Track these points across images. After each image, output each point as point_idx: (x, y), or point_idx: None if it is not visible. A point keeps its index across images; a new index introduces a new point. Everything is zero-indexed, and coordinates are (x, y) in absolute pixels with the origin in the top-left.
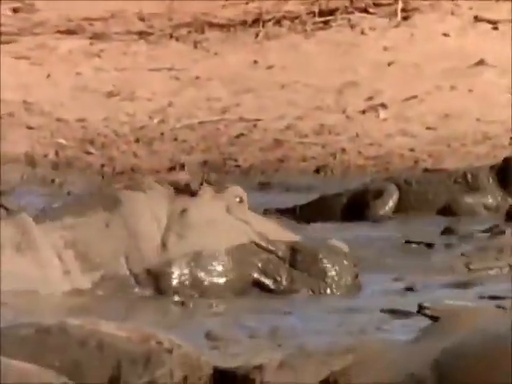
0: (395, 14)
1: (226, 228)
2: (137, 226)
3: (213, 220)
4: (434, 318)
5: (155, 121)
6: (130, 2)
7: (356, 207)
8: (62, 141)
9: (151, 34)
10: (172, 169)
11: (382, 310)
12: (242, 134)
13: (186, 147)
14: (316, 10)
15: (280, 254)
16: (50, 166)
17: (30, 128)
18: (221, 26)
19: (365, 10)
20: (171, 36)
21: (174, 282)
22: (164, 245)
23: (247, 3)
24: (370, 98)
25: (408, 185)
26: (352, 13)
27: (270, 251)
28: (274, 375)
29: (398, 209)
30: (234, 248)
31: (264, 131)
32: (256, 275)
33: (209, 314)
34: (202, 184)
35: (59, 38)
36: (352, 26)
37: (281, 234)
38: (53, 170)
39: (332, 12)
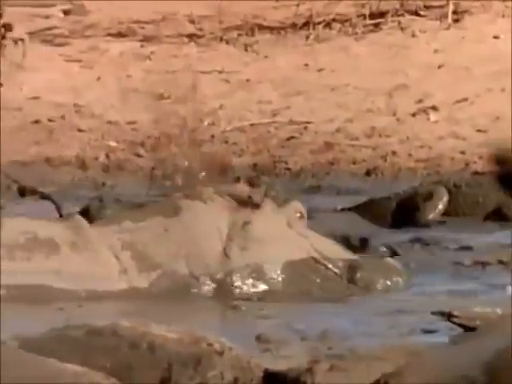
0: (446, 16)
1: (286, 242)
2: (198, 232)
3: (274, 234)
4: (463, 327)
5: (206, 123)
6: (181, 4)
7: (405, 210)
8: (113, 143)
9: (201, 36)
10: (222, 172)
11: (433, 312)
12: (293, 137)
13: (237, 150)
14: (366, 13)
15: (338, 271)
16: (100, 168)
17: (80, 131)
18: (271, 29)
19: (415, 13)
20: (221, 39)
21: (235, 291)
22: (226, 254)
23: (298, 5)
24: (421, 101)
25: (457, 188)
26: (402, 15)
27: (328, 268)
28: (324, 377)
29: (448, 212)
30: (294, 262)
31: (314, 134)
32: (315, 291)
33: (259, 316)
34: (264, 197)
35: (110, 40)
36: (402, 29)
37: (338, 251)
38: (103, 172)
39: (382, 14)
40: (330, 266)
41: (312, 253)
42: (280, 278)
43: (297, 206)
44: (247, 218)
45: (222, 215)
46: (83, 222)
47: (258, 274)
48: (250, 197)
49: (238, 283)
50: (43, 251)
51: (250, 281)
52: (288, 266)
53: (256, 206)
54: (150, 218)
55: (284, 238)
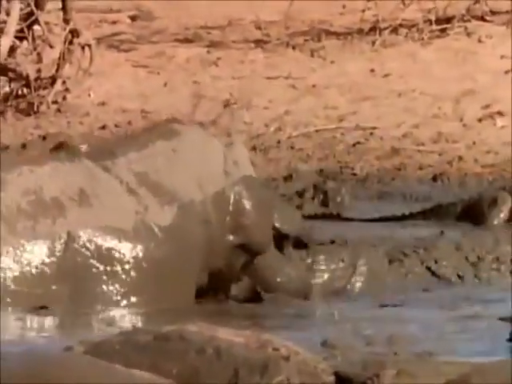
0: None
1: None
2: (204, 151)
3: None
4: None
5: (272, 129)
6: (247, 10)
7: (470, 216)
8: None
9: (268, 42)
10: (289, 177)
11: (501, 318)
12: (359, 143)
13: (303, 155)
14: (433, 18)
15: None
16: None
17: None
18: (337, 34)
19: (482, 18)
20: (288, 44)
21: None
22: (226, 171)
23: (364, 11)
24: (487, 106)
25: None
26: (469, 21)
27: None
28: (391, 382)
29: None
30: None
31: (381, 139)
32: None
33: (326, 321)
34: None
35: (177, 46)
36: (469, 34)
37: None
38: None
39: (449, 20)
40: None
41: None
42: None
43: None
44: (229, 140)
45: (210, 136)
46: (91, 164)
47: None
48: (214, 121)
49: (236, 197)
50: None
51: (244, 193)
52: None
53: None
54: (152, 144)
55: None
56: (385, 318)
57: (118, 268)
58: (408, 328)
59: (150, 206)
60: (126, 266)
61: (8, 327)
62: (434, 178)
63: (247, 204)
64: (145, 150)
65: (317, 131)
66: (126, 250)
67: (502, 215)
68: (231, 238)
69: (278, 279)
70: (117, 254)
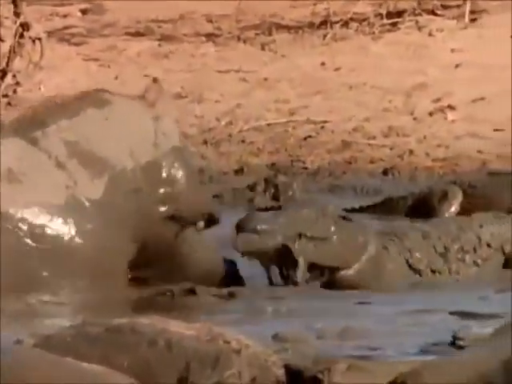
0: (463, 15)
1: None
2: (134, 120)
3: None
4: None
5: (223, 123)
6: (199, 3)
7: (421, 210)
8: None
9: (219, 35)
10: (240, 171)
11: (452, 312)
12: (310, 136)
13: (254, 149)
14: (384, 12)
15: None
16: None
17: None
18: (289, 28)
19: (432, 12)
20: (239, 38)
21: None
22: (156, 143)
23: (315, 5)
24: (438, 100)
25: (472, 188)
26: (420, 15)
27: None
28: (342, 377)
29: (462, 211)
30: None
31: (332, 133)
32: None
33: (276, 315)
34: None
35: (128, 39)
36: (420, 28)
37: None
38: None
39: (400, 14)
40: None
41: None
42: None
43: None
44: (156, 114)
45: (142, 107)
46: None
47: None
48: (142, 96)
49: (167, 168)
50: None
51: (176, 164)
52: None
53: (152, 104)
54: (84, 112)
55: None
56: (337, 311)
57: (50, 246)
58: (360, 321)
59: (80, 179)
60: (59, 244)
61: None
62: (385, 172)
63: (178, 174)
64: (76, 117)
65: (268, 125)
66: (59, 226)
67: (452, 209)
68: (162, 208)
69: (191, 257)
70: (49, 231)
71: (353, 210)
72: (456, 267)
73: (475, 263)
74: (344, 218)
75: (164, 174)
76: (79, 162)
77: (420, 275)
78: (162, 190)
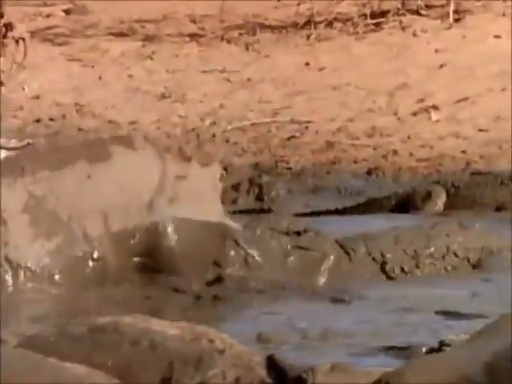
0: (447, 15)
1: (211, 203)
2: (126, 181)
3: (202, 192)
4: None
5: (207, 123)
6: (182, 3)
7: (404, 210)
8: None
9: (203, 36)
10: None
11: (437, 312)
12: (294, 137)
13: (238, 149)
14: (367, 12)
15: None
16: None
17: (81, 130)
18: (272, 28)
19: (416, 12)
20: (223, 38)
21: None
22: (151, 207)
23: (299, 5)
24: (422, 100)
25: (456, 188)
26: (403, 15)
27: (235, 240)
28: (325, 377)
29: (446, 212)
30: (209, 224)
31: (315, 133)
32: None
33: (260, 314)
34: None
35: (111, 39)
36: (404, 28)
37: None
38: None
39: (384, 14)
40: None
41: (223, 219)
42: (195, 236)
43: (219, 168)
44: (181, 172)
45: (154, 165)
46: None
47: (181, 229)
48: (181, 149)
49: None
50: None
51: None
52: (204, 226)
53: (188, 159)
54: (71, 164)
55: (208, 198)
56: (320, 311)
57: None
58: (344, 321)
59: (21, 244)
60: None
61: None
62: (369, 172)
63: (169, 249)
64: (58, 171)
65: (252, 125)
66: None
67: (436, 209)
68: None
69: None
70: None
71: (336, 211)
72: (428, 271)
73: (445, 269)
74: (299, 233)
75: (144, 244)
76: (30, 221)
77: (392, 278)
78: (138, 259)
